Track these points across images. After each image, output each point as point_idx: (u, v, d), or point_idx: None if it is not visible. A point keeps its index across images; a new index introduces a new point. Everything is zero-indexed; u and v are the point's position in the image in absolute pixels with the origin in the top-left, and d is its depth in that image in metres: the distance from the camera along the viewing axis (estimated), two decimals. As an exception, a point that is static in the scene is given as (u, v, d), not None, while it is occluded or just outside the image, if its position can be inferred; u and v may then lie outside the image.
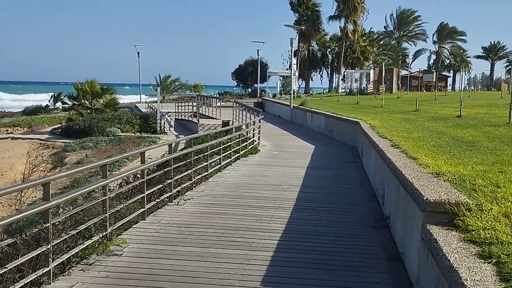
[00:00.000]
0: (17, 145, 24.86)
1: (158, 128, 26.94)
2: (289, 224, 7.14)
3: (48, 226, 4.67)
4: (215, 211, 7.86)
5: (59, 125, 30.16)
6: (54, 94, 45.37)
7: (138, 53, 50.76)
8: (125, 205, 6.44)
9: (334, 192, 9.89)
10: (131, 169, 6.98)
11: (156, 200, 7.62)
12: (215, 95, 49.67)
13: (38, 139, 26.74)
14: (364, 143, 13.36)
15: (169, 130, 27.87)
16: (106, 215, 5.75)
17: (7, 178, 16.96)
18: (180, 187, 8.79)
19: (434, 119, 15.63)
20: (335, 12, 53.80)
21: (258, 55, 47.10)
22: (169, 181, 8.12)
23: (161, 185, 7.87)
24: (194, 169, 9.52)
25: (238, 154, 14.34)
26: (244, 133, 16.41)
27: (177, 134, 26.56)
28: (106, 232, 5.76)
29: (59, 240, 4.77)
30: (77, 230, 5.15)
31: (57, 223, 5.04)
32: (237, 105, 26.54)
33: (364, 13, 53.75)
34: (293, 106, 29.18)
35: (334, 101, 33.03)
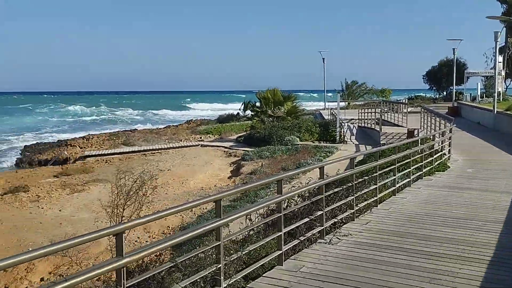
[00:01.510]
0: (204, 153, 26.22)
1: (338, 137, 25.51)
2: (481, 293, 4.91)
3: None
4: (375, 258, 5.98)
5: (244, 133, 31.10)
6: (244, 102, 47.76)
7: (323, 59, 50.43)
8: (244, 251, 5.08)
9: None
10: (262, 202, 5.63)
11: (300, 238, 6.13)
12: (403, 100, 46.09)
13: (223, 146, 27.85)
14: None
15: (350, 138, 26.24)
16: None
17: (186, 187, 17.50)
18: (336, 219, 7.15)
19: None
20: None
21: (454, 54, 41.98)
22: (319, 212, 6.56)
23: (308, 219, 6.35)
24: (356, 195, 7.77)
25: (421, 172, 11.97)
26: (430, 145, 13.85)
27: (357, 143, 24.81)
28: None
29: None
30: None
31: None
32: (424, 111, 23.56)
33: None
34: (497, 111, 24.70)
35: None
